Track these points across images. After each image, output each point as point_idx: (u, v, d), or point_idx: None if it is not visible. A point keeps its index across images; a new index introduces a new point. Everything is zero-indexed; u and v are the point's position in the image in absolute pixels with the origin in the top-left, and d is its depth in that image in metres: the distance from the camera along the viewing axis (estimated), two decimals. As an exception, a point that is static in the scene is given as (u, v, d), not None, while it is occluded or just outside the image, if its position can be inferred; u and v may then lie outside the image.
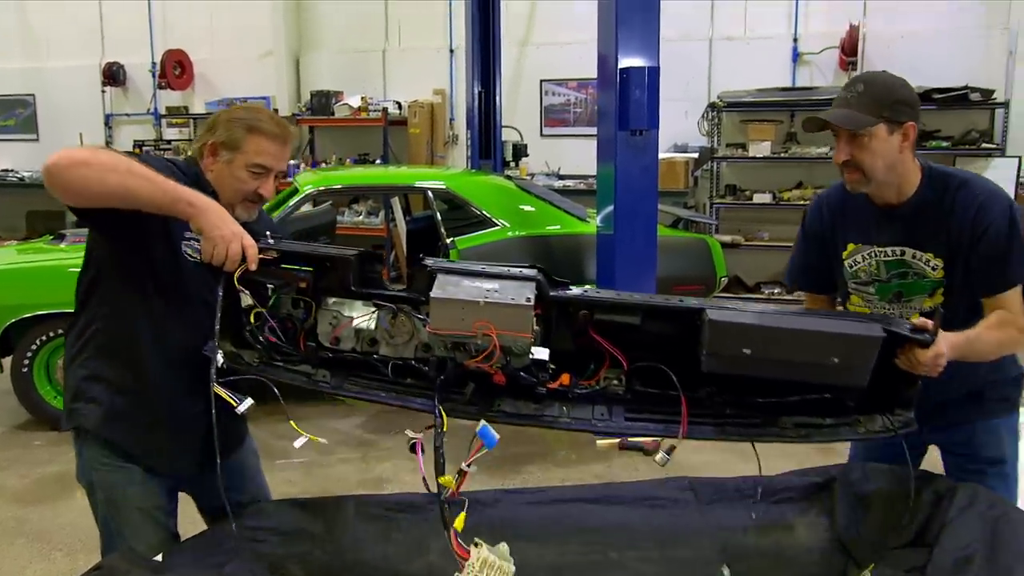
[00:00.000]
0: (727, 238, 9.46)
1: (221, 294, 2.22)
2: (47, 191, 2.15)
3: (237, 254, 2.16)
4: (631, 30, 5.30)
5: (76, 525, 4.46)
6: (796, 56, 9.71)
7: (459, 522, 1.99)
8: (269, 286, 2.28)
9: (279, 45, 11.27)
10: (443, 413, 2.13)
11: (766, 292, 9.53)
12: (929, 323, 2.13)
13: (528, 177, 10.01)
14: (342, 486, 4.94)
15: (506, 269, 2.16)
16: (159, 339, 2.41)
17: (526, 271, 2.15)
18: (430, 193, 6.41)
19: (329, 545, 2.43)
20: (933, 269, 2.48)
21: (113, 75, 11.94)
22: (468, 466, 2.06)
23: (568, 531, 2.54)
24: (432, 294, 2.06)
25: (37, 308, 5.66)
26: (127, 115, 12.21)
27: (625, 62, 5.29)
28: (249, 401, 2.24)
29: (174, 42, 11.69)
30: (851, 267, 2.61)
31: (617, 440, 5.50)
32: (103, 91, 12.10)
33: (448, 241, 6.12)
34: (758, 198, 9.48)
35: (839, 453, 3.17)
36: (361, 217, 10.36)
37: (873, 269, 2.57)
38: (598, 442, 5.54)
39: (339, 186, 6.25)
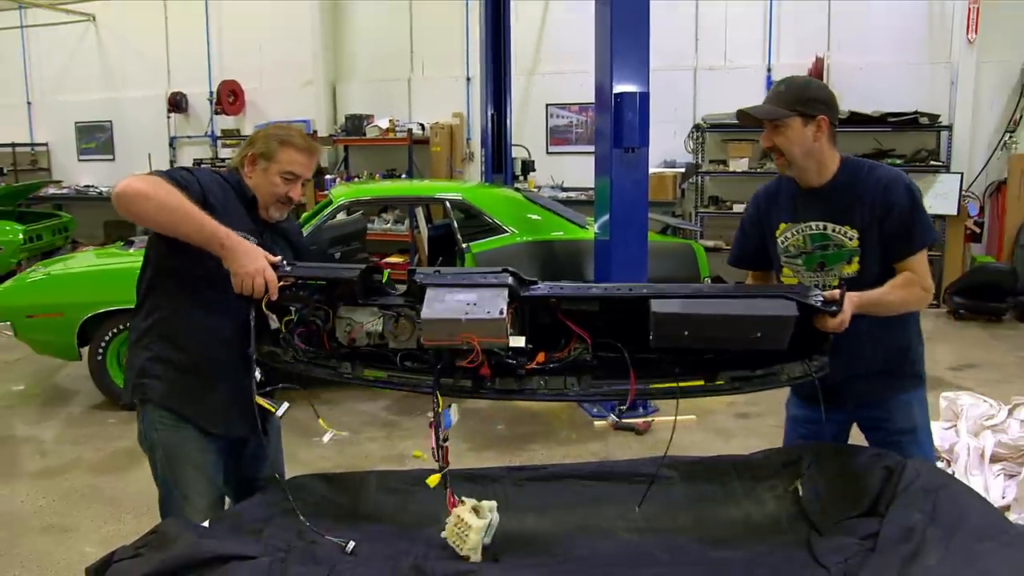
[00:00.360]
0: (711, 243, 9.39)
1: (253, 319, 2.33)
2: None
3: (261, 287, 2.28)
4: (624, 60, 5.26)
5: (143, 492, 4.41)
6: (769, 83, 9.61)
7: (432, 480, 2.15)
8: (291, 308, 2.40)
9: (318, 75, 11.26)
10: (439, 396, 2.20)
11: (743, 289, 9.45)
12: (836, 294, 2.24)
13: (535, 189, 9.98)
14: (368, 462, 4.92)
15: (482, 277, 2.22)
16: (211, 323, 2.51)
17: (499, 277, 2.21)
18: (447, 203, 6.38)
19: (352, 515, 2.40)
20: (849, 239, 2.56)
21: (177, 103, 11.96)
22: (445, 440, 2.19)
23: (564, 503, 2.50)
24: (423, 315, 2.14)
25: (109, 304, 5.65)
26: (188, 137, 12.23)
27: (619, 88, 5.26)
28: (285, 405, 2.40)
29: (228, 74, 11.70)
30: (783, 243, 2.69)
31: (612, 421, 5.46)
32: (168, 117, 12.13)
33: (464, 246, 6.08)
34: (738, 208, 9.40)
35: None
36: (389, 225, 10.33)
37: (800, 243, 2.65)
38: (595, 423, 5.50)
39: (368, 198, 6.23)
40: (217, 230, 2.28)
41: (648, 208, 5.57)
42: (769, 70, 9.63)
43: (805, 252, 2.63)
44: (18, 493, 4.59)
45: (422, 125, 10.76)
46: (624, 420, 5.41)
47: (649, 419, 5.45)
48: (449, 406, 2.20)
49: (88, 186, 12.60)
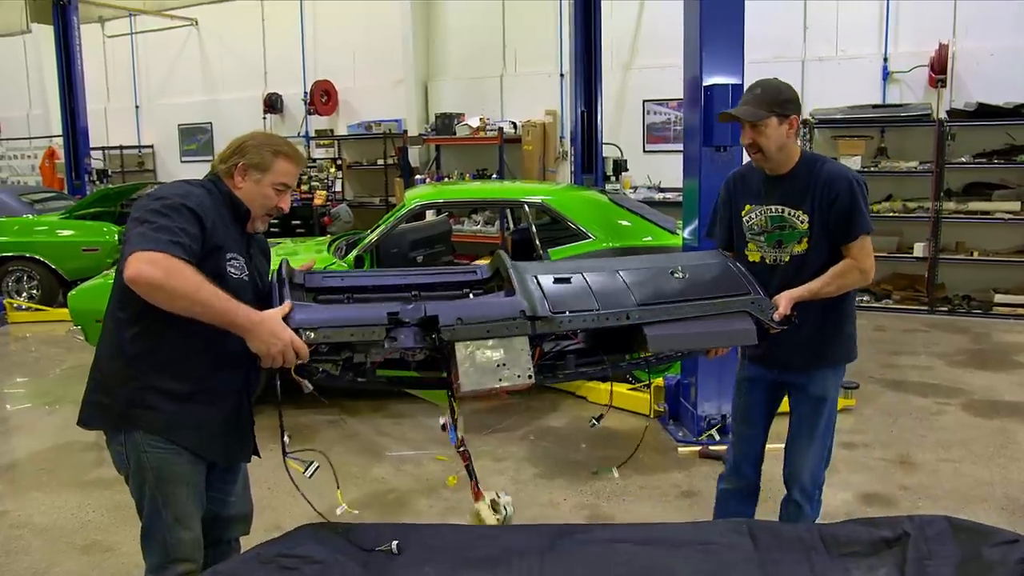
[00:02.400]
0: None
1: (280, 390, 2.37)
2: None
3: (292, 359, 2.23)
4: (715, 48, 4.75)
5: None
6: (886, 74, 8.82)
7: (451, 480, 2.76)
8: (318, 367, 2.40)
9: (409, 74, 11.05)
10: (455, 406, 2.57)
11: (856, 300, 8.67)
12: (784, 310, 2.75)
13: (631, 190, 9.48)
14: (429, 484, 4.56)
15: (504, 326, 2.37)
16: (212, 349, 2.38)
17: (520, 324, 2.38)
18: (527, 207, 5.98)
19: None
20: (801, 223, 2.92)
21: (272, 104, 11.99)
22: (461, 447, 2.61)
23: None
24: (462, 386, 2.32)
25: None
26: (283, 138, 12.21)
27: (709, 80, 4.74)
28: (315, 466, 2.39)
29: (322, 74, 11.66)
30: (747, 222, 3.05)
31: (698, 448, 4.94)
32: (264, 118, 12.17)
33: (541, 252, 5.68)
34: (847, 209, 8.63)
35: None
36: (479, 226, 10.04)
37: (762, 223, 3.01)
38: (679, 449, 4.99)
39: (440, 200, 5.90)
40: (236, 316, 2.20)
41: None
42: (886, 60, 8.81)
43: (766, 231, 3.00)
44: (69, 505, 4.44)
45: (514, 123, 10.40)
46: (712, 448, 4.89)
47: (740, 446, 4.90)
48: (455, 422, 2.53)
49: (189, 187, 12.80)
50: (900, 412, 5.59)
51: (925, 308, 8.40)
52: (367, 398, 5.84)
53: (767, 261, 2.98)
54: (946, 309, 8.38)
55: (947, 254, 8.43)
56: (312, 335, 2.22)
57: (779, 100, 2.86)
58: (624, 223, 5.82)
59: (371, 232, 6.05)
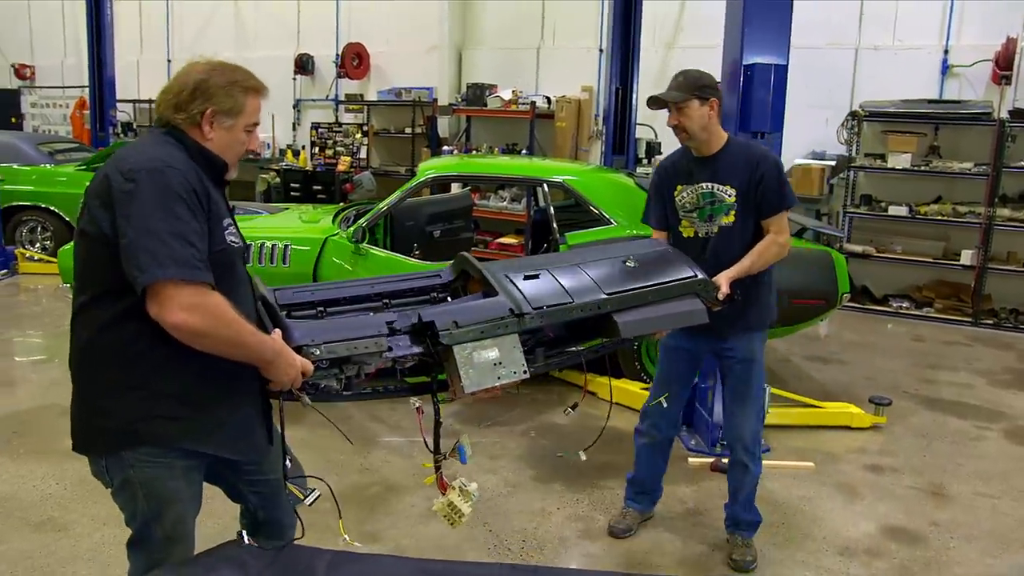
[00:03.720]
0: (858, 248, 8.16)
1: (283, 408, 2.25)
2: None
3: (300, 381, 2.15)
4: (760, 26, 4.29)
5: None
6: (946, 68, 8.22)
7: (429, 480, 2.49)
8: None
9: (444, 40, 10.62)
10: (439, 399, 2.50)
11: (894, 305, 8.16)
12: (727, 292, 3.07)
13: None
14: (415, 480, 4.21)
15: (495, 326, 2.46)
16: None
17: (509, 322, 2.48)
18: (545, 188, 5.56)
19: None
20: (729, 196, 3.26)
21: (303, 65, 11.63)
22: (445, 456, 2.50)
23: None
24: (464, 388, 2.38)
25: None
26: (312, 100, 11.89)
27: (750, 59, 4.28)
28: (316, 494, 2.41)
29: (355, 36, 11.27)
30: (679, 201, 3.36)
31: (711, 460, 4.53)
32: (294, 78, 11.82)
33: (558, 236, 5.28)
34: (894, 210, 8.09)
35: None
36: (505, 203, 9.62)
37: (694, 200, 3.32)
38: (690, 459, 4.59)
39: (455, 173, 5.49)
40: (264, 351, 2.04)
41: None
42: (946, 52, 8.21)
43: (698, 207, 3.31)
44: (33, 474, 4.17)
45: (548, 98, 9.94)
46: (724, 461, 4.47)
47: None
48: (459, 443, 2.55)
49: (216, 145, 12.54)
50: (935, 434, 5.12)
51: (969, 320, 7.86)
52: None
53: (699, 234, 3.33)
54: (991, 322, 7.83)
55: (996, 264, 7.87)
56: (317, 352, 2.19)
57: (699, 85, 3.21)
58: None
59: (382, 202, 5.68)
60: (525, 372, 2.47)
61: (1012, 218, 7.69)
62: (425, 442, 2.46)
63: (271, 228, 5.53)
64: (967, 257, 7.84)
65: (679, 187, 3.35)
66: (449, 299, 2.79)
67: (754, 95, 4.23)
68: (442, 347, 2.37)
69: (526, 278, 2.63)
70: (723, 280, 3.07)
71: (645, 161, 8.42)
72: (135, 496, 2.12)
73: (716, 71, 9.14)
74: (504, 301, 2.50)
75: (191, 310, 1.87)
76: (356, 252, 4.94)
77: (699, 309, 2.92)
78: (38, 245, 9.07)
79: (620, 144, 7.76)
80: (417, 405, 2.44)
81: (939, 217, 7.93)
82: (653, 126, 8.72)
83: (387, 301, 2.71)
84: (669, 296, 2.86)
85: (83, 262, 2.04)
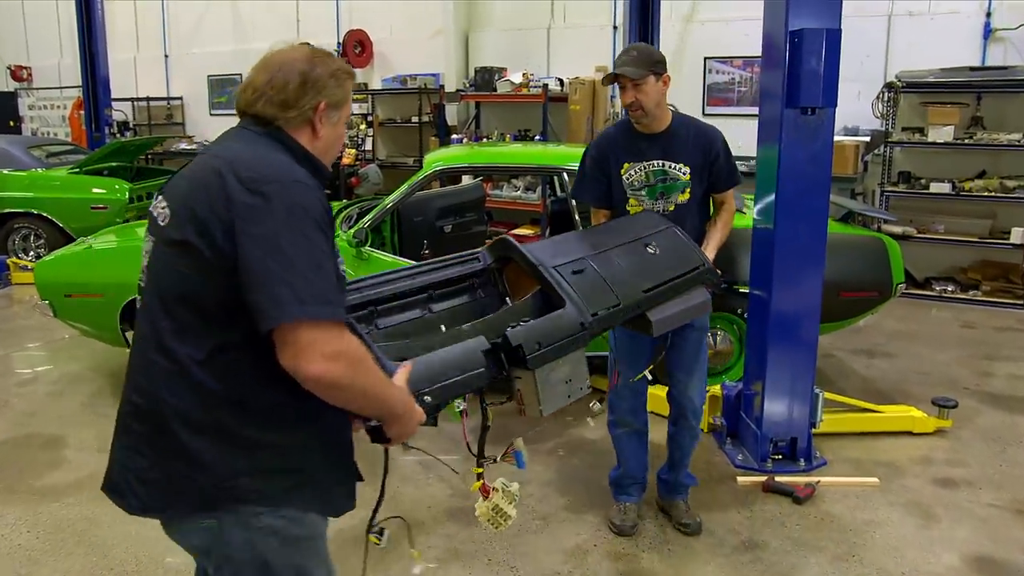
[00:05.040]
0: (898, 229, 7.53)
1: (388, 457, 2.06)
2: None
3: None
4: (807, -15, 3.72)
5: (137, 537, 3.46)
6: (988, 32, 7.59)
7: (476, 485, 2.22)
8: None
9: (449, 23, 10.05)
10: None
11: (937, 288, 7.58)
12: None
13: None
14: (431, 513, 3.70)
15: (570, 343, 2.28)
16: None
17: (579, 337, 2.31)
18: (565, 176, 5.01)
19: None
20: (683, 174, 3.28)
21: (304, 54, 11.09)
22: (495, 460, 2.29)
23: None
24: (543, 411, 2.27)
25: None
26: (315, 91, 11.35)
27: (797, 23, 3.72)
28: (387, 533, 2.09)
29: (357, 23, 10.72)
30: (628, 179, 3.29)
31: (763, 479, 4.00)
32: (294, 69, 11.28)
33: (581, 228, 4.75)
34: (935, 187, 7.49)
35: None
36: (519, 192, 9.10)
37: (644, 178, 3.28)
38: (739, 479, 4.06)
39: (465, 165, 4.96)
40: (395, 404, 1.72)
41: (830, 190, 4.02)
42: (988, 15, 7.58)
43: (648, 185, 3.27)
44: (4, 521, 3.69)
45: (560, 80, 9.37)
46: (779, 479, 3.95)
47: (813, 480, 3.96)
48: (514, 447, 2.30)
49: (217, 142, 12.05)
50: (1008, 439, 4.57)
51: (1020, 303, 7.27)
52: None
53: (660, 212, 3.27)
54: (1045, 304, 7.25)
55: (1048, 242, 7.27)
56: (428, 399, 1.90)
57: (653, 60, 3.18)
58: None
59: (388, 198, 5.17)
60: (589, 387, 2.41)
61: (1066, 192, 7.09)
62: (468, 446, 2.23)
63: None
64: (1018, 235, 7.23)
65: (627, 164, 3.30)
66: (486, 288, 2.69)
67: (803, 66, 3.67)
68: (521, 368, 2.21)
69: (574, 273, 2.45)
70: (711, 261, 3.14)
71: (667, 144, 7.84)
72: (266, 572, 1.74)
73: (736, 45, 8.73)
74: (575, 314, 2.34)
75: (334, 359, 1.53)
76: (358, 256, 4.42)
77: (707, 300, 2.94)
78: (32, 253, 8.62)
79: (640, 126, 7.18)
80: (462, 408, 2.19)
81: (985, 193, 7.33)
82: (675, 106, 8.15)
83: (431, 293, 2.55)
84: (688, 288, 2.84)
85: (174, 277, 1.63)
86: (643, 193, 3.29)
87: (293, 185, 1.60)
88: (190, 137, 12.37)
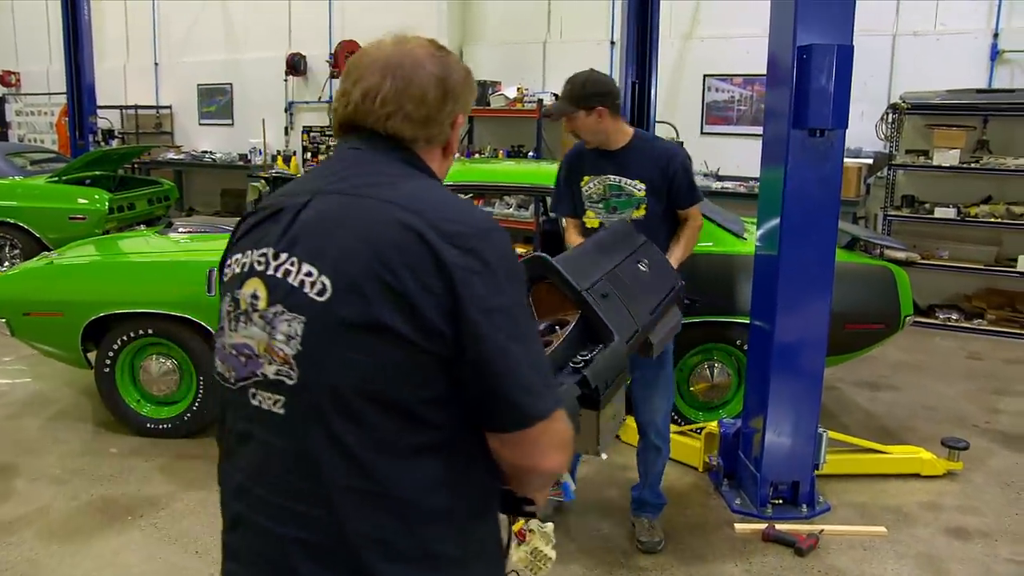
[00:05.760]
0: (901, 255, 7.28)
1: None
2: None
3: None
4: (817, -2, 3.45)
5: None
6: (995, 54, 7.35)
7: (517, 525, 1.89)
8: None
9: (443, 36, 9.78)
10: None
11: (941, 316, 7.31)
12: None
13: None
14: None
15: (622, 378, 2.09)
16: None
17: (624, 369, 2.12)
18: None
19: None
20: (638, 190, 3.34)
21: (294, 65, 10.83)
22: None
23: None
24: (601, 454, 2.03)
25: (118, 306, 4.41)
26: (305, 103, 11.08)
27: (806, 38, 3.45)
28: None
29: (349, 34, 10.46)
30: (587, 191, 3.42)
31: (763, 526, 3.70)
32: (285, 80, 11.02)
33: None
34: (940, 212, 7.23)
35: None
36: (511, 209, 8.80)
37: (600, 191, 3.39)
38: (736, 526, 3.75)
39: (455, 183, 4.66)
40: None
41: (839, 215, 3.74)
42: (996, 36, 7.35)
43: (604, 198, 3.39)
44: (-62, 564, 3.38)
45: (555, 95, 9.10)
46: (780, 528, 3.65)
47: (816, 530, 3.66)
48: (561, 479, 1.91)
49: (205, 152, 11.76)
50: (1023, 483, 4.28)
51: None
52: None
53: (605, 226, 3.29)
54: (1052, 336, 6.98)
55: (1055, 270, 7.02)
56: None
57: (584, 95, 3.19)
58: (678, 223, 4.54)
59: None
60: (623, 419, 2.29)
61: (1075, 220, 6.84)
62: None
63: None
64: (1024, 264, 6.99)
65: (586, 178, 3.41)
66: None
67: (811, 84, 3.40)
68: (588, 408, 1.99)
69: (602, 297, 2.26)
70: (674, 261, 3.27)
71: (665, 163, 7.57)
72: None
73: (736, 63, 8.49)
74: (622, 348, 2.14)
75: (564, 448, 1.29)
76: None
77: (681, 318, 2.93)
78: (7, 264, 8.30)
79: (637, 144, 6.91)
80: None
81: (991, 219, 7.08)
82: (673, 124, 7.91)
83: None
84: (669, 306, 2.80)
85: (359, 369, 1.19)
86: (600, 206, 3.40)
87: (496, 236, 1.24)
88: (178, 147, 12.08)
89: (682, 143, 7.78)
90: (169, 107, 12.44)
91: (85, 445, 4.53)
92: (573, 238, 3.46)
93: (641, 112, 6.84)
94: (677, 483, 4.12)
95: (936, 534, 3.74)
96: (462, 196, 6.07)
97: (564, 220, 3.61)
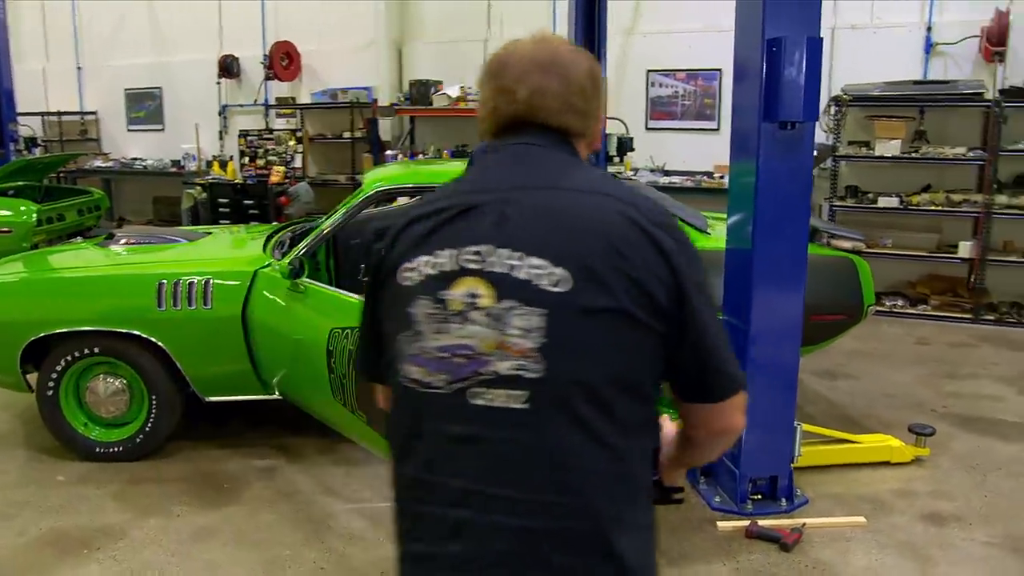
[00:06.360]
0: (847, 244, 7.39)
1: None
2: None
3: None
4: (785, -10, 3.42)
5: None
6: (929, 47, 7.51)
7: None
8: None
9: (381, 35, 9.60)
10: None
11: (887, 303, 7.44)
12: None
13: (632, 172, 8.15)
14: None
15: None
16: None
17: None
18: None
19: None
20: None
21: (227, 67, 10.47)
22: None
23: None
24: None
25: (60, 325, 4.14)
26: (240, 106, 10.72)
27: (775, 31, 3.41)
28: None
29: (284, 34, 10.17)
30: None
31: (745, 523, 3.66)
32: (218, 82, 10.65)
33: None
34: (883, 201, 7.35)
35: None
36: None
37: None
38: (719, 524, 3.70)
39: (409, 185, 4.52)
40: None
41: (810, 207, 3.73)
42: (929, 29, 7.50)
43: None
44: None
45: (498, 95, 8.99)
46: (762, 524, 3.61)
47: (799, 523, 3.63)
48: None
49: (135, 159, 11.29)
50: (986, 466, 4.34)
51: (968, 317, 7.18)
52: (312, 433, 4.51)
53: None
54: (993, 318, 7.16)
55: (993, 255, 7.20)
56: None
57: None
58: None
59: (324, 221, 4.70)
60: None
61: (1010, 205, 7.02)
62: None
63: (189, 260, 4.51)
64: (966, 249, 7.15)
65: None
66: None
67: (782, 77, 3.36)
68: None
69: None
70: None
71: (617, 159, 7.52)
72: None
73: (679, 58, 8.51)
74: None
75: (743, 409, 1.41)
76: (293, 289, 3.95)
77: None
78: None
79: (588, 141, 6.83)
80: None
81: (932, 207, 7.23)
82: (624, 120, 7.86)
83: None
84: None
85: (607, 356, 1.25)
86: None
87: (681, 227, 1.35)
88: (106, 154, 11.56)
89: (632, 139, 7.74)
90: (95, 113, 11.91)
91: (28, 475, 4.24)
92: None
93: (591, 109, 6.76)
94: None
95: (913, 521, 3.76)
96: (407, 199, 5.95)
97: None
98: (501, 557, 1.23)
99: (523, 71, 1.37)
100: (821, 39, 3.41)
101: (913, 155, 7.27)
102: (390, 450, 1.38)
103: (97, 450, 4.30)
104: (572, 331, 1.22)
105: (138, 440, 4.29)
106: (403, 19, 9.81)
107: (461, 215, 1.31)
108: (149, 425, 4.27)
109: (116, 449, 4.30)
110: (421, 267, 1.30)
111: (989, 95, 7.06)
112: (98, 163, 11.26)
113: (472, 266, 1.26)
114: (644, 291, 1.24)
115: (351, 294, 3.77)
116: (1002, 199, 7.03)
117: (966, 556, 3.47)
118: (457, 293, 1.26)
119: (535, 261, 1.23)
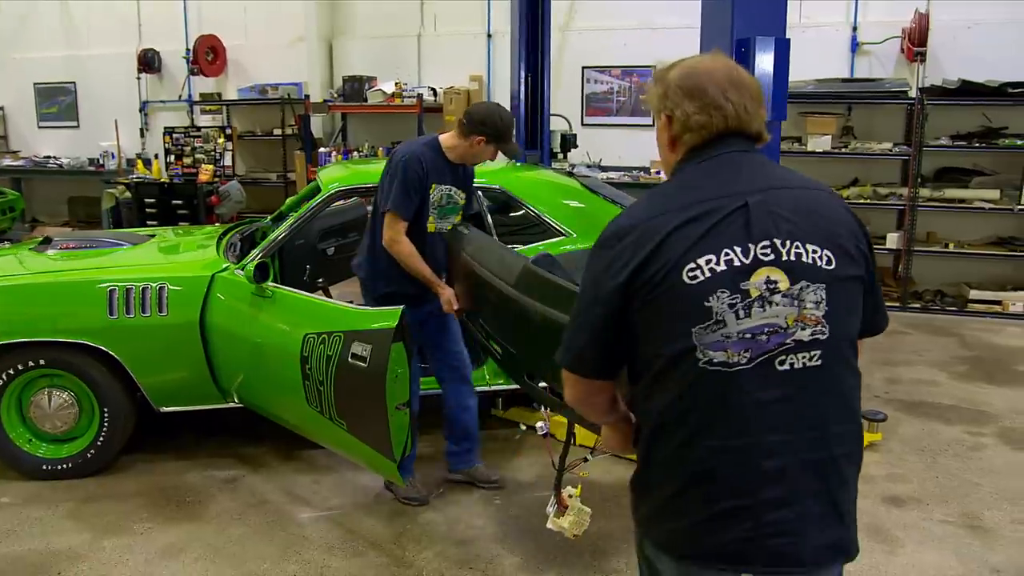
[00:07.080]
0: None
1: None
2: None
3: None
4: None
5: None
6: (855, 46, 7.80)
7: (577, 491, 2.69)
8: None
9: (311, 30, 9.40)
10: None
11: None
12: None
13: (569, 168, 8.19)
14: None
15: None
16: None
17: None
18: (479, 195, 4.55)
19: None
20: (461, 199, 3.82)
21: (148, 62, 10.09)
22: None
23: None
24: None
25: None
26: (162, 102, 10.34)
27: (744, 33, 3.48)
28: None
29: (208, 28, 9.85)
30: (432, 199, 3.69)
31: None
32: (138, 78, 10.25)
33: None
34: (816, 194, 7.60)
35: None
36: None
37: (439, 199, 3.72)
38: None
39: (369, 184, 4.42)
40: None
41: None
42: (855, 29, 7.79)
43: (440, 206, 3.73)
44: None
45: (434, 90, 8.93)
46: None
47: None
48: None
49: (48, 157, 10.75)
50: (934, 448, 4.54)
51: (896, 305, 7.49)
52: (274, 440, 4.39)
53: (436, 230, 3.73)
54: (918, 306, 7.50)
55: (918, 245, 7.54)
56: None
57: (464, 122, 3.65)
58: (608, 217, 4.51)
59: (279, 226, 4.58)
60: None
61: (933, 198, 7.36)
62: (553, 463, 2.72)
63: (140, 265, 4.32)
64: (893, 240, 7.46)
65: (434, 185, 3.67)
66: None
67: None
68: None
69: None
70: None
71: (560, 155, 7.56)
72: None
73: (615, 54, 8.59)
74: None
75: None
76: (258, 293, 3.82)
77: None
78: None
79: (532, 138, 6.84)
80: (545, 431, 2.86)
81: (860, 200, 7.50)
82: (567, 116, 7.91)
83: None
84: None
85: (854, 317, 1.61)
86: (436, 212, 3.71)
87: None
88: (15, 152, 10.98)
89: (575, 135, 7.79)
90: (1, 108, 11.30)
91: (-29, 495, 3.99)
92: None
93: (535, 105, 6.78)
94: (623, 479, 4.09)
95: (875, 505, 3.90)
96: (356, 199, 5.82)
97: (401, 224, 3.60)
98: (818, 483, 1.52)
99: (723, 89, 1.59)
100: (788, 40, 3.49)
101: (842, 150, 7.53)
102: (666, 430, 1.55)
103: (44, 467, 4.08)
104: (841, 297, 1.54)
105: (89, 455, 4.08)
106: (333, 14, 9.62)
107: (728, 217, 1.51)
108: (101, 439, 4.07)
109: (65, 466, 4.08)
110: (708, 265, 1.48)
111: (912, 93, 7.37)
112: (7, 162, 10.70)
113: (766, 258, 1.49)
114: (865, 259, 1.60)
115: (324, 298, 3.67)
116: (925, 192, 7.36)
117: (928, 535, 3.62)
118: (756, 282, 1.48)
119: (812, 247, 1.52)
